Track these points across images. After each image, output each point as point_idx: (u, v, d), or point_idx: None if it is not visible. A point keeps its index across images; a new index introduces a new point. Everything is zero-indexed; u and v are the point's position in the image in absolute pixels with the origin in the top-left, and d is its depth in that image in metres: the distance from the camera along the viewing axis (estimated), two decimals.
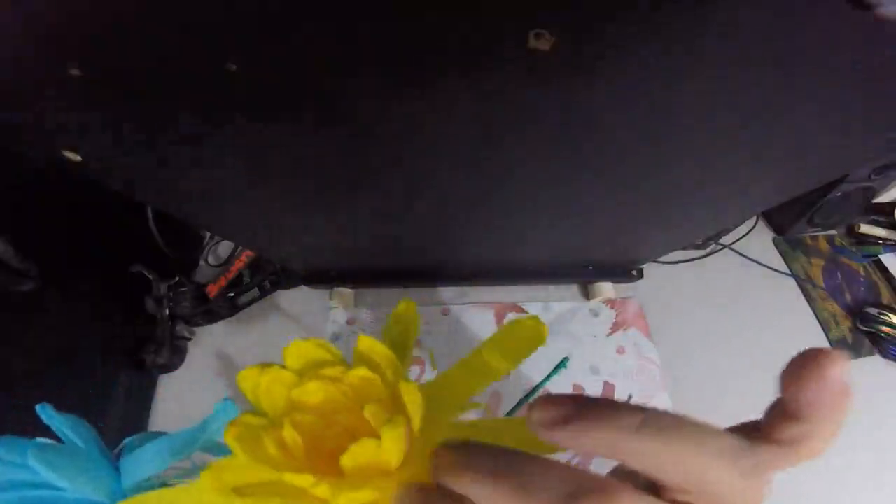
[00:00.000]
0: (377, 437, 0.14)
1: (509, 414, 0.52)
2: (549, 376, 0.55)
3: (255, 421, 0.16)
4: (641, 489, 0.12)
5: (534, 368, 0.56)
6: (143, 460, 0.22)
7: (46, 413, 0.22)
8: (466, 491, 0.12)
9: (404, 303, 0.21)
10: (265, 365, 0.17)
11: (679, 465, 0.11)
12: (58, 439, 0.22)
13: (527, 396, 0.54)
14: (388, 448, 0.14)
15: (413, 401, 0.15)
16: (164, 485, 0.22)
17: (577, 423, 0.12)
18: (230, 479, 0.15)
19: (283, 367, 0.17)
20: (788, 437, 0.12)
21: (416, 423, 0.15)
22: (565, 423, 0.12)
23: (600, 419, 0.11)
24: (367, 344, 0.17)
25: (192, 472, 0.23)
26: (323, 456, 0.15)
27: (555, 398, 0.12)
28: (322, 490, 0.13)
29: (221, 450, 0.24)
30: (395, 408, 0.16)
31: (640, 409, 0.12)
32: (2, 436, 0.20)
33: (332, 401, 0.16)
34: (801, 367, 0.11)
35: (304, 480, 0.13)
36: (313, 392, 0.16)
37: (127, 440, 0.23)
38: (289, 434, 0.15)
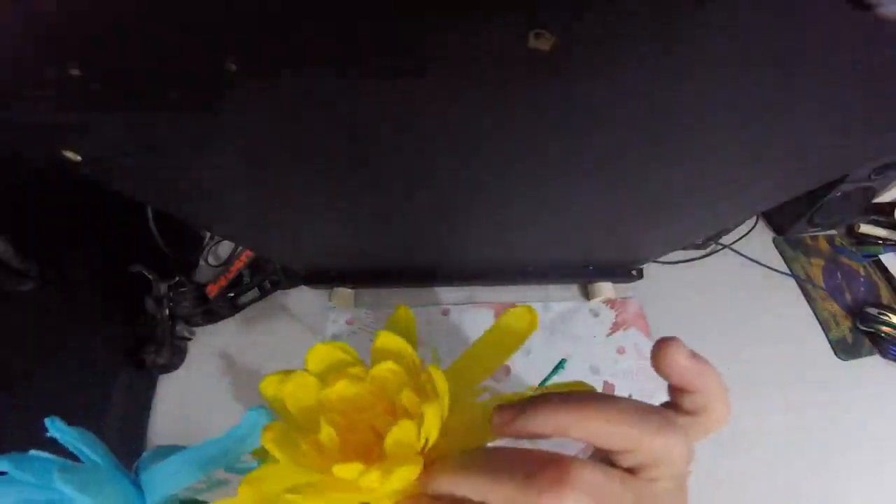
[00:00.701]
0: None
1: None
2: (547, 378, 0.55)
3: (286, 425, 0.16)
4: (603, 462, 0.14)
5: (533, 370, 0.56)
6: (168, 474, 0.21)
7: (56, 426, 0.21)
8: (450, 490, 0.14)
9: (402, 309, 0.21)
10: (287, 372, 0.17)
11: (603, 429, 0.13)
12: (56, 446, 0.21)
13: None
14: (429, 425, 0.15)
15: (441, 384, 0.16)
16: (191, 499, 0.22)
17: (518, 419, 0.14)
18: (268, 488, 0.15)
19: (305, 371, 0.17)
20: (688, 407, 0.16)
21: (446, 403, 0.16)
22: (512, 421, 0.14)
23: (532, 410, 0.14)
24: (386, 339, 0.18)
25: (213, 485, 0.22)
26: (354, 451, 0.15)
27: (504, 405, 0.15)
28: (372, 475, 0.14)
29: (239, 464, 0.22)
30: (421, 394, 0.16)
31: (566, 394, 0.14)
32: (17, 454, 0.19)
33: (359, 398, 0.17)
34: (655, 358, 0.15)
35: (352, 470, 0.14)
36: (342, 391, 0.16)
37: (144, 454, 0.23)
38: (326, 433, 0.15)
